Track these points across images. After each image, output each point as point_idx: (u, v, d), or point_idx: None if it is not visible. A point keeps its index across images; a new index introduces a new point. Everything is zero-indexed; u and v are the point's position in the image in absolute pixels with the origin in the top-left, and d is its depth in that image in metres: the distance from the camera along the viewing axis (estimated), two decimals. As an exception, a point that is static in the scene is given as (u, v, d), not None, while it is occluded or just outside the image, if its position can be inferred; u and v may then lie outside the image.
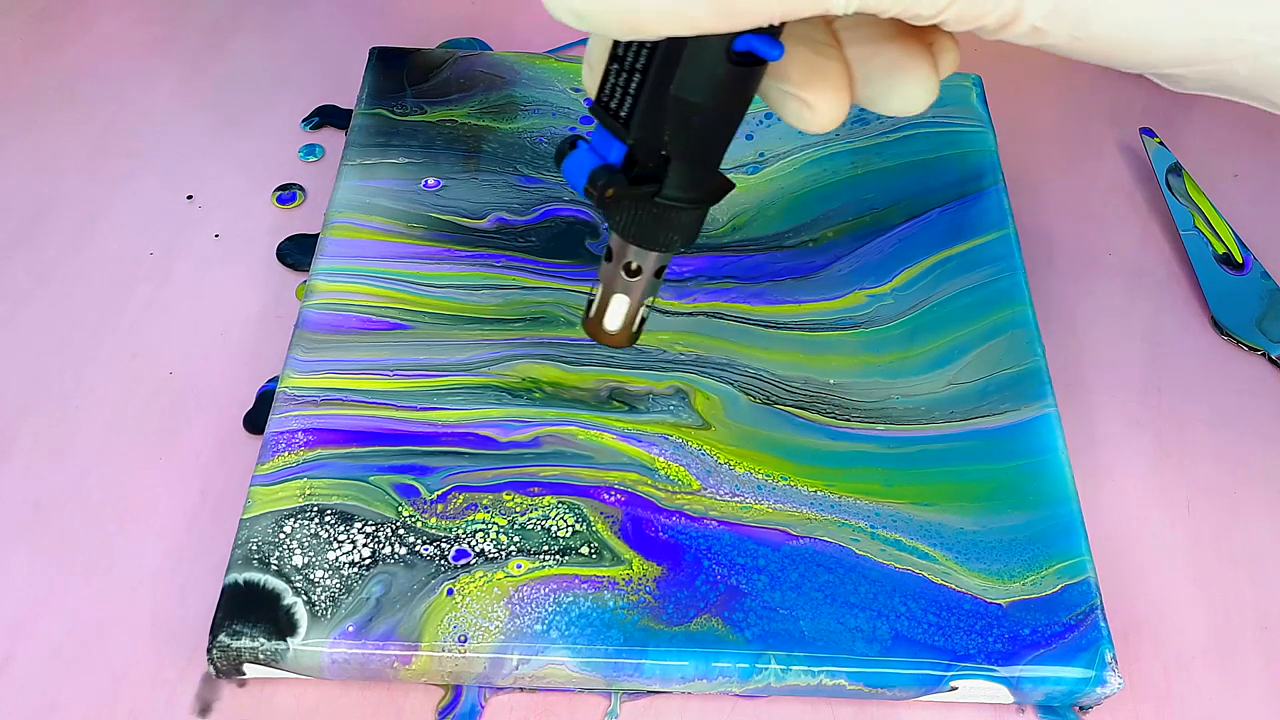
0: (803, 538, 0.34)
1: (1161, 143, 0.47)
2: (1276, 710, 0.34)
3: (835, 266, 0.41)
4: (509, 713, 0.33)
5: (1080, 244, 0.45)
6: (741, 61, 0.24)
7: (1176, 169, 0.46)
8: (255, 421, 0.38)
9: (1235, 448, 0.39)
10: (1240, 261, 0.44)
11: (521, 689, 0.33)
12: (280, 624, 0.32)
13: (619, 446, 0.36)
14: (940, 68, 0.27)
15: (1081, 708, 0.33)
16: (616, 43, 0.26)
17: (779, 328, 0.39)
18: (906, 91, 0.26)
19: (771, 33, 0.24)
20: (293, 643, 0.31)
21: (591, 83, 0.27)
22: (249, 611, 0.32)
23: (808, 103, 0.26)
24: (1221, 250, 0.44)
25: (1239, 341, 0.42)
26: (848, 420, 0.37)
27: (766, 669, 0.32)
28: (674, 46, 0.24)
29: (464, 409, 0.36)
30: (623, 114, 0.26)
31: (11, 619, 0.34)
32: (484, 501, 0.34)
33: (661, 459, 0.36)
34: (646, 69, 0.25)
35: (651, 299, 0.30)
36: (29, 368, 0.39)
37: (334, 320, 0.38)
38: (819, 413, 0.37)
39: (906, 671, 0.32)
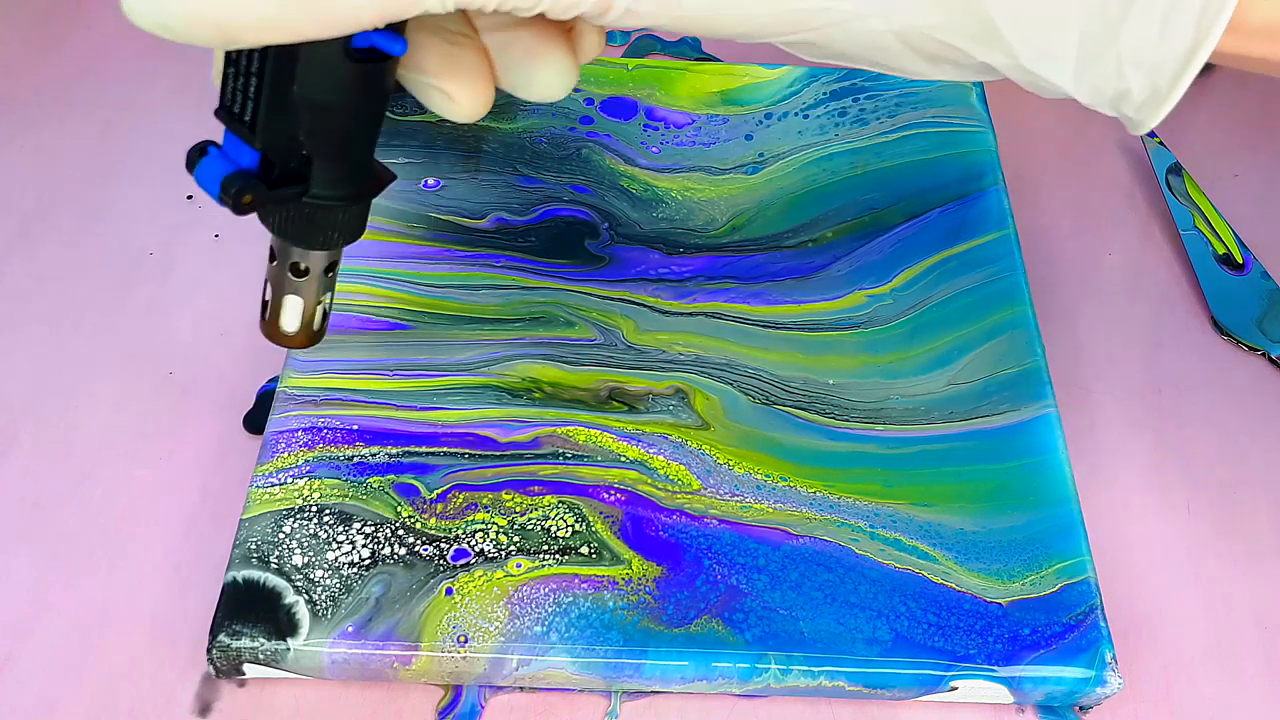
0: (803, 537, 0.34)
1: (1161, 143, 0.47)
2: (1276, 710, 0.34)
3: (835, 267, 0.41)
4: (509, 713, 0.33)
5: (1080, 244, 0.45)
6: (364, 58, 0.24)
7: (1176, 169, 0.46)
8: (255, 421, 0.38)
9: (1235, 448, 0.39)
10: (1240, 261, 0.44)
11: (521, 689, 0.33)
12: (280, 624, 0.32)
13: (618, 446, 0.36)
14: (581, 52, 0.26)
15: (1081, 708, 0.33)
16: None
17: (778, 328, 0.39)
18: (545, 79, 0.26)
19: (393, 27, 0.23)
20: (292, 643, 0.31)
21: (218, 82, 0.25)
22: (249, 611, 0.32)
23: (448, 93, 0.26)
24: (1221, 250, 0.44)
25: (1239, 341, 0.42)
26: (847, 420, 0.37)
27: (766, 670, 0.32)
28: (286, 49, 0.23)
29: (464, 409, 0.36)
30: (246, 118, 0.25)
31: (11, 619, 0.34)
32: (484, 501, 0.34)
33: (661, 458, 0.36)
34: (262, 72, 0.24)
35: (328, 294, 0.28)
36: (29, 368, 0.39)
37: (334, 320, 0.38)
38: (818, 413, 0.37)
39: (906, 672, 0.32)
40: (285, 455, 0.35)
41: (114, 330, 0.40)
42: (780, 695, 0.33)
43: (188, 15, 0.21)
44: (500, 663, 0.32)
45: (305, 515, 0.34)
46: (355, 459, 0.35)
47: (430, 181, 0.42)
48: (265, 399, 0.38)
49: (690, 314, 0.39)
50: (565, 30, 0.26)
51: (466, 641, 0.32)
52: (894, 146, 0.45)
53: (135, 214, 0.44)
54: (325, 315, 0.29)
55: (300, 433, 0.35)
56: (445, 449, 0.35)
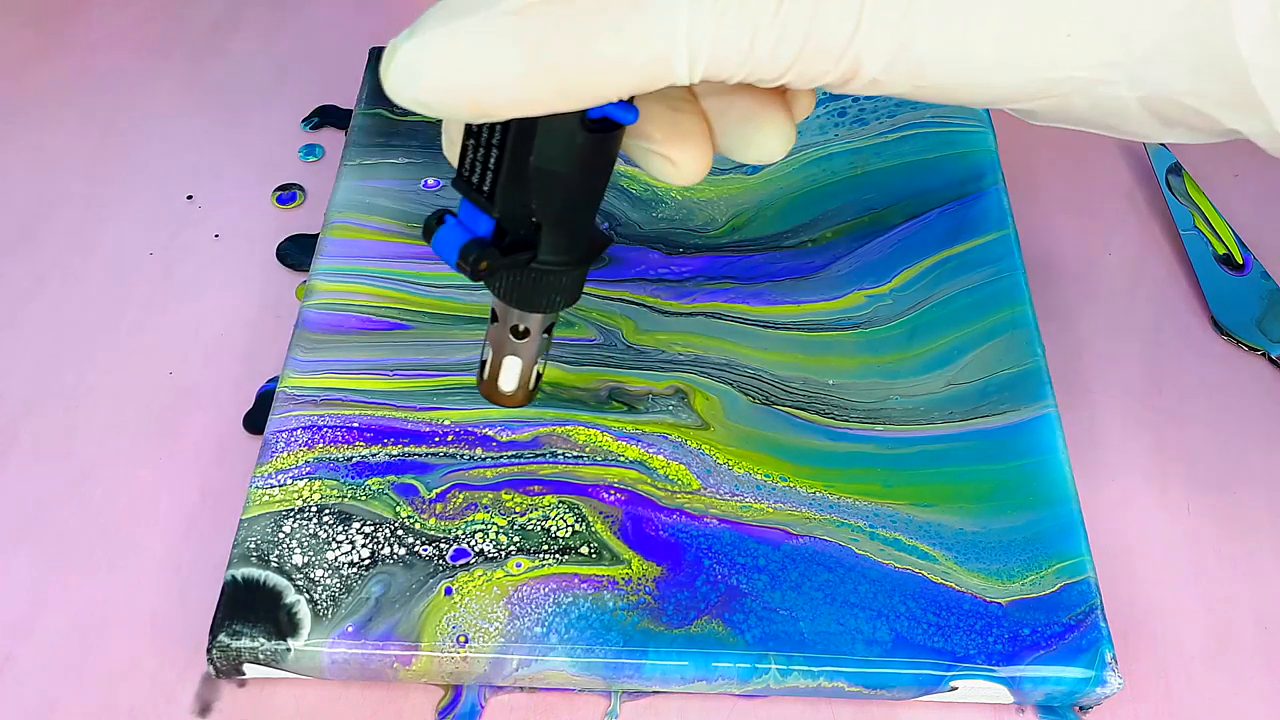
0: (802, 537, 0.34)
1: (1161, 143, 0.47)
2: (1276, 710, 0.34)
3: (834, 267, 0.41)
4: (509, 713, 0.33)
5: (1080, 244, 0.45)
6: (598, 129, 0.24)
7: (1176, 169, 0.46)
8: (255, 421, 0.38)
9: (1235, 448, 0.39)
10: (1240, 261, 0.44)
11: (521, 689, 0.33)
12: (280, 624, 0.32)
13: (618, 446, 0.36)
14: (795, 114, 0.27)
15: (1081, 708, 0.33)
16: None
17: (778, 328, 0.39)
18: (763, 142, 0.26)
19: (626, 99, 0.24)
20: (292, 643, 0.31)
21: (451, 154, 0.26)
22: (249, 612, 0.32)
23: (670, 159, 0.26)
24: (1221, 250, 0.44)
25: (1239, 341, 0.42)
26: (847, 421, 0.37)
27: (766, 671, 0.32)
28: (527, 121, 0.24)
29: (464, 409, 0.36)
30: (485, 188, 0.26)
31: (11, 619, 0.34)
32: (483, 501, 0.34)
33: (661, 458, 0.36)
34: (503, 144, 0.25)
35: (544, 355, 0.30)
36: (29, 368, 0.39)
37: (334, 320, 0.38)
38: (818, 413, 0.37)
39: (906, 672, 0.32)
40: (285, 455, 0.35)
41: (114, 330, 0.40)
42: (780, 695, 0.33)
43: (445, 94, 0.22)
44: (500, 663, 0.32)
45: (305, 515, 0.34)
46: (355, 459, 0.35)
47: (430, 181, 0.42)
48: (265, 399, 0.38)
49: (690, 314, 0.39)
50: (781, 93, 0.26)
51: (467, 642, 0.32)
52: (893, 147, 0.45)
53: (135, 214, 0.44)
54: (539, 377, 0.30)
55: (300, 432, 0.35)
56: (445, 449, 0.35)
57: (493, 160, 0.25)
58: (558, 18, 0.22)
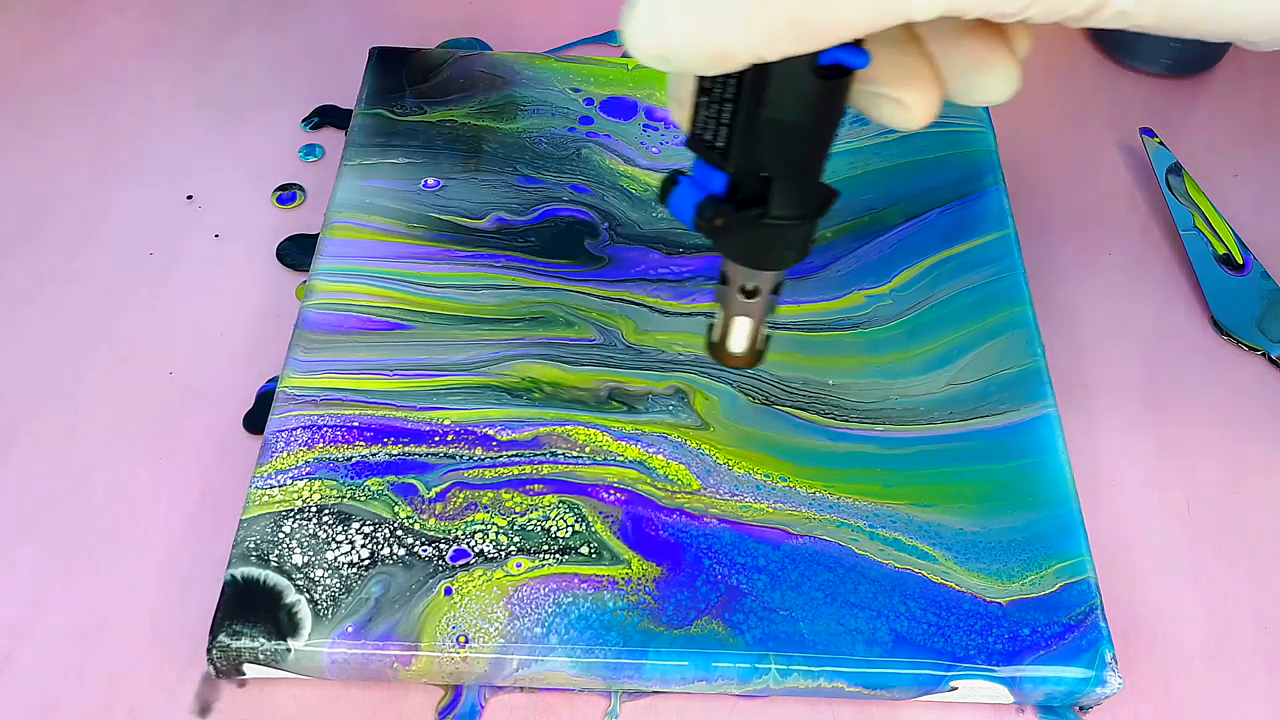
0: (802, 537, 0.34)
1: (1161, 143, 0.47)
2: (1276, 710, 0.34)
3: (834, 267, 0.41)
4: (509, 713, 0.33)
5: (1080, 244, 0.45)
6: (829, 75, 0.25)
7: (1176, 169, 0.46)
8: (255, 421, 0.38)
9: (1235, 448, 0.39)
10: (1240, 261, 0.44)
11: (521, 689, 0.33)
12: (280, 624, 0.32)
13: (618, 446, 0.36)
14: (1018, 53, 0.27)
15: (1081, 708, 0.33)
16: (702, 77, 0.26)
17: (778, 328, 0.39)
18: (991, 83, 0.26)
19: (855, 42, 0.24)
20: (292, 643, 0.31)
21: (681, 117, 0.27)
22: (249, 611, 0.32)
23: (902, 102, 0.26)
24: (1221, 250, 0.44)
25: (1239, 341, 0.42)
26: (847, 421, 0.37)
27: (766, 671, 0.32)
28: (761, 71, 0.24)
29: (463, 409, 0.36)
30: (719, 144, 0.26)
31: (11, 619, 0.34)
32: (483, 501, 0.34)
33: (660, 457, 0.36)
34: (737, 97, 0.25)
35: (770, 316, 0.30)
36: (29, 368, 0.39)
37: (334, 320, 0.38)
38: (818, 413, 0.37)
39: (906, 672, 0.32)
40: (285, 455, 0.35)
41: (114, 330, 0.40)
42: (780, 695, 0.33)
43: (688, 47, 0.23)
44: (500, 663, 0.32)
45: (305, 515, 0.34)
46: (355, 459, 0.35)
47: (430, 181, 0.42)
48: (265, 399, 0.38)
49: (690, 314, 0.39)
50: (1003, 34, 0.26)
51: (467, 642, 0.32)
52: (894, 146, 0.45)
53: (135, 214, 0.44)
54: (768, 338, 0.31)
55: (300, 432, 0.35)
56: (445, 449, 0.35)
57: (725, 115, 0.26)
58: None
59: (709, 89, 0.26)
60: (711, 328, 0.31)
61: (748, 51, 0.23)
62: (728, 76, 0.25)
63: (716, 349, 0.31)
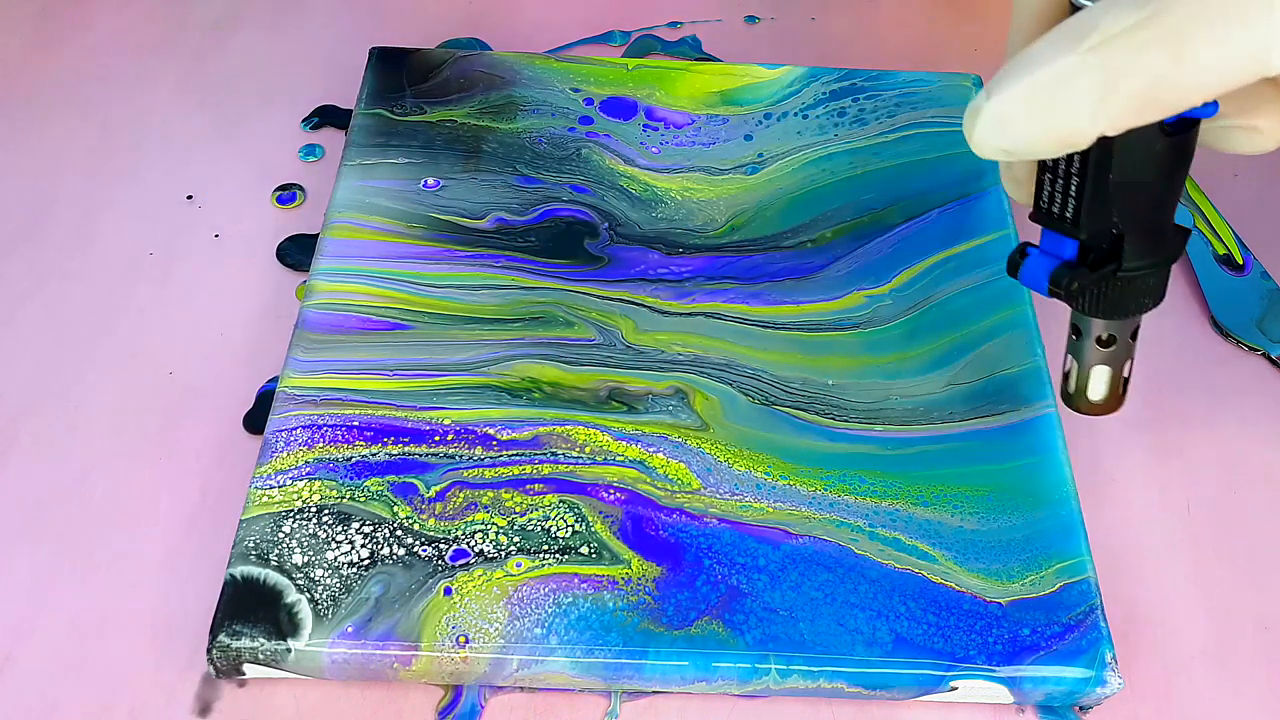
0: (802, 537, 0.34)
1: None
2: (1276, 710, 0.34)
3: (834, 267, 0.41)
4: (509, 713, 0.33)
5: (1080, 244, 0.45)
6: (1177, 131, 0.25)
7: (1176, 169, 0.46)
8: (255, 421, 0.38)
9: (1235, 448, 0.39)
10: (1240, 262, 0.44)
11: (522, 689, 0.33)
12: (280, 624, 0.32)
13: (618, 446, 0.36)
14: None
15: (1081, 708, 0.33)
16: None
17: (778, 328, 0.39)
18: None
19: None
20: (292, 643, 0.31)
21: (1020, 193, 0.28)
22: (249, 611, 0.32)
23: (1256, 128, 0.26)
24: (1221, 250, 0.44)
25: (1239, 341, 0.42)
26: (846, 421, 0.37)
27: (766, 672, 0.32)
28: (1106, 141, 0.25)
29: (463, 409, 0.36)
30: (1068, 215, 0.26)
31: (11, 619, 0.34)
32: (483, 500, 0.34)
33: (660, 456, 0.36)
34: (1083, 170, 0.25)
35: (1130, 359, 0.30)
36: (29, 368, 0.39)
37: (334, 320, 0.38)
38: (818, 414, 0.37)
39: (906, 672, 0.32)
40: (285, 455, 0.35)
41: (114, 330, 0.40)
42: (780, 695, 0.33)
43: (1034, 140, 0.24)
44: (500, 664, 0.32)
45: (305, 515, 0.34)
46: (355, 459, 0.35)
47: (430, 181, 0.42)
48: (265, 399, 0.38)
49: (689, 314, 0.39)
50: None
51: (467, 642, 0.32)
52: (894, 147, 0.45)
53: (135, 214, 0.44)
54: (1127, 381, 0.31)
55: (300, 432, 0.35)
56: (445, 449, 0.35)
57: (1073, 188, 0.26)
58: (1143, 41, 0.22)
59: (1052, 166, 0.26)
60: (1066, 377, 0.31)
61: (1095, 134, 0.23)
62: (1072, 154, 0.25)
63: (1074, 399, 0.31)
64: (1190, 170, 0.26)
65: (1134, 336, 0.30)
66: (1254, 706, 0.34)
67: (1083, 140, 0.24)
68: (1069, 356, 0.31)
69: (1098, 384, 0.30)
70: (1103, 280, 0.27)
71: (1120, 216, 0.26)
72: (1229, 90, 0.23)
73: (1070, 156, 0.26)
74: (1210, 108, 0.25)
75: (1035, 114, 0.24)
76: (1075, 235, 0.27)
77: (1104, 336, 0.29)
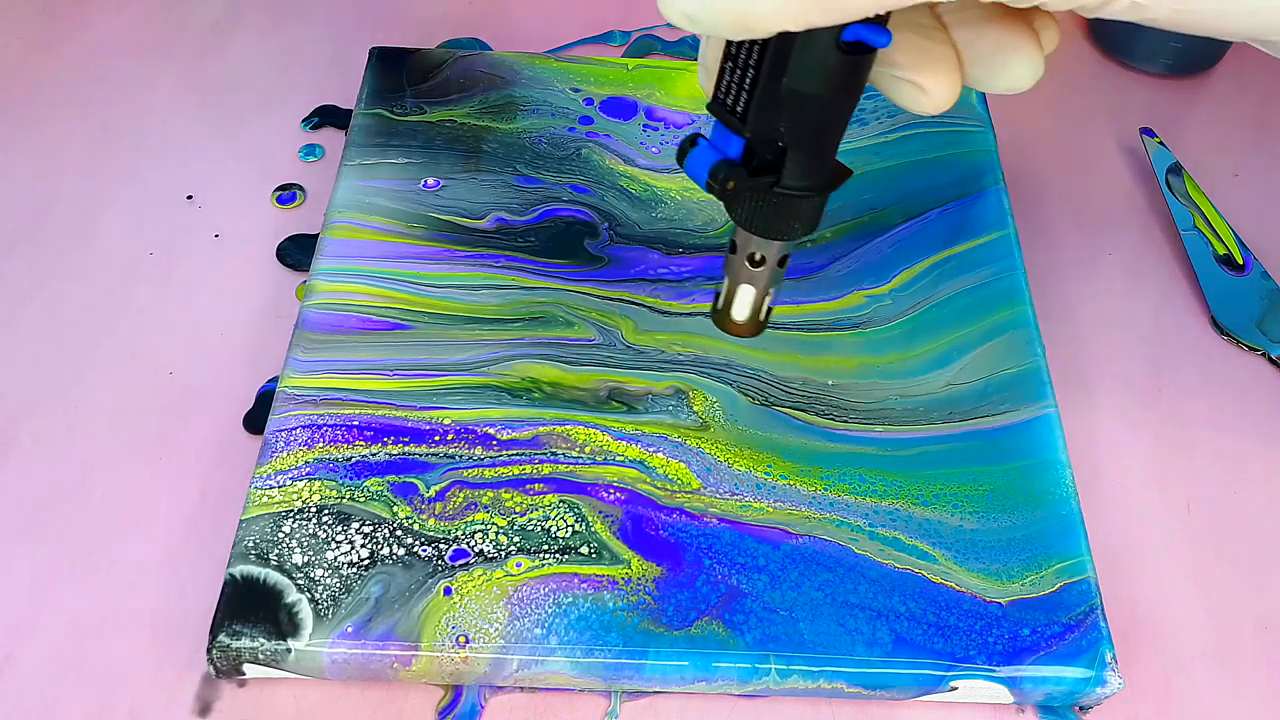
0: (802, 536, 0.34)
1: (1161, 143, 0.47)
2: (1276, 710, 0.34)
3: (834, 267, 0.41)
4: (509, 713, 0.33)
5: (1080, 244, 0.45)
6: (851, 51, 0.25)
7: (1176, 169, 0.46)
8: (255, 421, 0.38)
9: (1235, 448, 0.39)
10: (1240, 262, 0.44)
11: (521, 689, 0.33)
12: (280, 624, 0.32)
13: (618, 446, 0.36)
14: (1044, 45, 0.27)
15: (1081, 708, 0.33)
16: (729, 42, 0.27)
17: (777, 328, 0.39)
18: (1014, 70, 0.27)
19: (879, 21, 0.25)
20: (292, 643, 0.31)
21: (707, 83, 0.28)
22: (249, 611, 0.32)
23: (921, 86, 0.27)
24: (1221, 250, 0.44)
25: (1239, 341, 0.42)
26: (846, 421, 0.37)
27: (766, 672, 0.32)
28: (785, 41, 0.25)
29: (463, 409, 0.36)
30: (739, 109, 0.27)
31: (11, 619, 0.34)
32: (483, 500, 0.34)
33: (660, 456, 0.36)
34: (759, 64, 0.26)
35: (775, 288, 0.31)
36: (29, 368, 0.39)
37: (334, 320, 0.38)
38: (818, 414, 0.37)
39: (906, 673, 0.32)
40: (285, 455, 0.35)
41: (114, 330, 0.40)
42: (780, 695, 0.33)
43: (717, 10, 0.24)
44: (500, 664, 0.32)
45: (305, 515, 0.34)
46: (354, 459, 0.35)
47: (430, 181, 0.42)
48: (265, 399, 0.38)
49: (689, 314, 0.39)
50: (1029, 24, 0.27)
51: (468, 642, 0.32)
52: (894, 146, 0.45)
53: (135, 214, 0.44)
54: (769, 310, 0.31)
55: (300, 432, 0.35)
56: (445, 449, 0.35)
57: (748, 81, 0.26)
58: None
59: (734, 54, 0.27)
60: (718, 295, 0.31)
61: (774, 19, 0.23)
62: (753, 43, 0.26)
63: (720, 316, 0.31)
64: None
65: (782, 264, 0.30)
66: (1254, 706, 0.34)
67: (761, 24, 0.24)
68: (723, 274, 0.31)
69: (742, 303, 0.31)
70: (759, 191, 0.28)
71: (786, 126, 0.26)
72: (899, 5, 0.23)
73: (751, 49, 0.26)
74: (883, 37, 0.25)
75: None
76: (741, 132, 0.27)
77: (755, 256, 0.30)
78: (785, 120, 0.26)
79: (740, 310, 0.31)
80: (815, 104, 0.26)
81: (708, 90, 0.28)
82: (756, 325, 0.31)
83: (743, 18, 0.24)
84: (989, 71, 0.27)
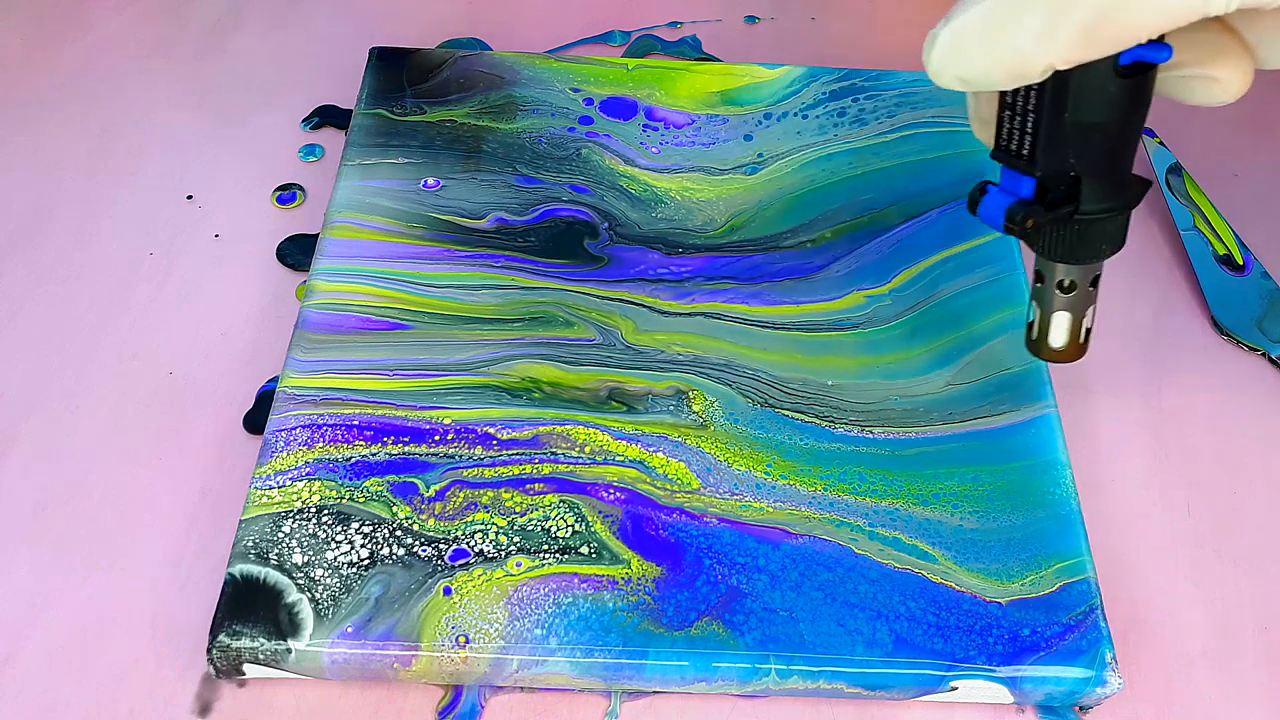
0: (802, 536, 0.34)
1: (1161, 143, 0.47)
2: (1276, 710, 0.34)
3: (834, 267, 0.41)
4: (509, 713, 0.33)
5: (1080, 244, 0.45)
6: (1131, 73, 0.25)
7: (1176, 169, 0.46)
8: (255, 421, 0.38)
9: (1235, 448, 0.39)
10: (1240, 262, 0.44)
11: (522, 689, 0.33)
12: (280, 624, 0.32)
13: (618, 446, 0.36)
14: None
15: (1081, 708, 0.33)
16: (1004, 91, 0.27)
17: (777, 328, 0.39)
18: None
19: (1156, 38, 0.25)
20: (292, 643, 0.31)
21: (984, 134, 0.28)
22: (249, 611, 0.32)
23: (1215, 78, 0.26)
24: (1222, 250, 0.44)
25: (1239, 341, 0.42)
26: (846, 422, 0.37)
27: (767, 673, 0.32)
28: (1061, 78, 0.25)
29: (463, 408, 0.36)
30: (1024, 152, 0.27)
31: (11, 619, 0.34)
32: (483, 500, 0.34)
33: (660, 456, 0.36)
34: (1039, 107, 0.26)
35: (1092, 308, 0.31)
36: (29, 368, 0.39)
37: (334, 320, 0.38)
38: (817, 415, 0.37)
39: (906, 673, 0.32)
40: (285, 455, 0.35)
41: (114, 330, 0.40)
42: (780, 695, 0.33)
43: (985, 65, 0.25)
44: (500, 664, 0.32)
45: (304, 516, 0.34)
46: (354, 459, 0.35)
47: (430, 181, 0.42)
48: (265, 399, 0.38)
49: (689, 314, 0.39)
50: None
51: (467, 642, 0.32)
52: (893, 147, 0.45)
53: (135, 214, 0.44)
54: (1089, 331, 0.31)
55: (300, 432, 0.35)
56: (445, 448, 0.35)
57: (1029, 124, 0.26)
58: None
59: (1010, 103, 0.27)
60: (1030, 326, 0.31)
61: (1044, 64, 0.24)
62: (1029, 87, 0.26)
63: (1037, 345, 0.31)
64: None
65: (1095, 284, 0.30)
66: (1254, 707, 0.34)
67: (1032, 71, 0.24)
68: (1032, 303, 0.31)
69: (1059, 331, 0.31)
70: (1059, 221, 0.28)
71: (1076, 157, 0.26)
72: (1172, 28, 0.23)
73: (1028, 93, 0.26)
74: (1163, 52, 0.25)
75: (987, 41, 0.24)
76: (1032, 173, 0.27)
77: (1065, 282, 0.30)
78: (1075, 152, 0.26)
79: (1058, 337, 0.31)
80: (1103, 130, 0.26)
81: (987, 141, 0.28)
82: (1078, 348, 0.31)
83: (1016, 68, 0.24)
84: (1275, 50, 0.27)
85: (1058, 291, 0.30)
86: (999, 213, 0.28)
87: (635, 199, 0.43)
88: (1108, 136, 0.26)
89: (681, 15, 0.53)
